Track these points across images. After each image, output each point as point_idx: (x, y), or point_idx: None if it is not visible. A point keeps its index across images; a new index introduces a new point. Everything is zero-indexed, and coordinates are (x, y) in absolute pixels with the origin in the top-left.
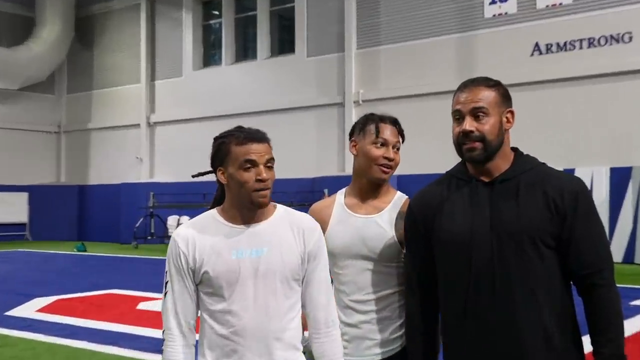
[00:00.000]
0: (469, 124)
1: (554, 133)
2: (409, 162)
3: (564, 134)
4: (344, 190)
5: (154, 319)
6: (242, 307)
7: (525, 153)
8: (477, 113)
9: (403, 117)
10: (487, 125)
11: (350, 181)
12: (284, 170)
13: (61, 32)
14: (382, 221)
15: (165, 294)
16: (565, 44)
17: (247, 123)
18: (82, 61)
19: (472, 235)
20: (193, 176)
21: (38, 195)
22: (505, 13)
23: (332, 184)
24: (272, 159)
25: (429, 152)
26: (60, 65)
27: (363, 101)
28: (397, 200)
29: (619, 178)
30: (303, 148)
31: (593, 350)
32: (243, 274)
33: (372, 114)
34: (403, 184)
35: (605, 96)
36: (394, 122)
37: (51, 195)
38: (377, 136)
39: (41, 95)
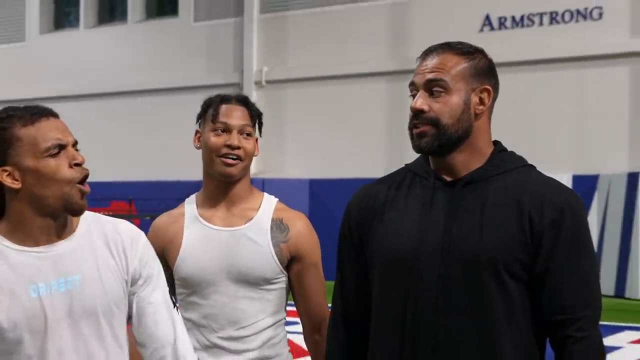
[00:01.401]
0: (419, 101)
1: (504, 129)
2: (323, 165)
3: (516, 130)
4: (192, 197)
5: None
6: None
7: (506, 149)
8: (433, 87)
9: (319, 105)
10: (444, 105)
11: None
12: (163, 171)
13: None
14: (253, 233)
15: None
16: (522, 18)
17: (113, 105)
18: None
19: (414, 255)
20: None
21: None
22: None
23: None
24: (76, 144)
25: (352, 151)
26: None
27: (267, 82)
28: (267, 204)
29: (584, 188)
30: (187, 142)
31: None
32: (51, 318)
33: (215, 95)
34: (317, 190)
35: (569, 85)
36: (242, 101)
37: None
38: (214, 121)
39: None
